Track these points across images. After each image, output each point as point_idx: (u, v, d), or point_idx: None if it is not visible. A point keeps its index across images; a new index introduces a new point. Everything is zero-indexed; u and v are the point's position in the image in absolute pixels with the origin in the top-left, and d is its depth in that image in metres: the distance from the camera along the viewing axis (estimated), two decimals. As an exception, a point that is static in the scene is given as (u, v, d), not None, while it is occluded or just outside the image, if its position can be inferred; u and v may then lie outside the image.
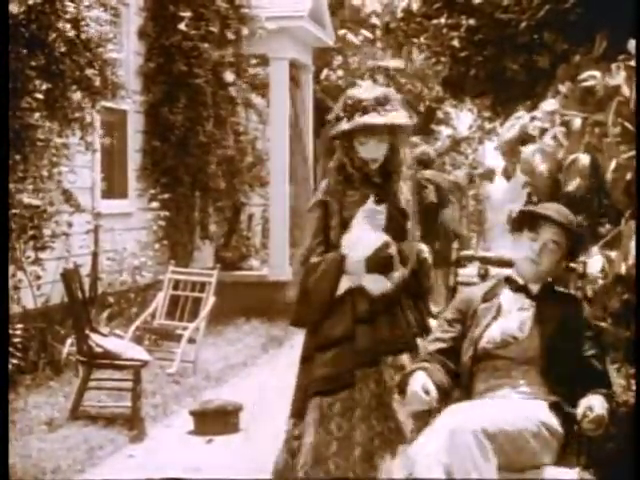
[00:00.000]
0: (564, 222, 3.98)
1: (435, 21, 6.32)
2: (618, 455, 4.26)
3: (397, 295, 4.38)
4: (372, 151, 4.42)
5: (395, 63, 16.79)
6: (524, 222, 4.08)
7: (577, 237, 4.04)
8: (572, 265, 4.14)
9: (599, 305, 4.07)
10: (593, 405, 3.68)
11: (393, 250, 4.36)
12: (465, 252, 4.41)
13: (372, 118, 4.36)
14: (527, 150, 4.36)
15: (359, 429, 4.31)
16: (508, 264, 4.21)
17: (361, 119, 4.36)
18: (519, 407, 3.77)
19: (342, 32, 16.23)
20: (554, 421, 3.75)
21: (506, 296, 4.06)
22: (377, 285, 4.37)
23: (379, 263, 4.35)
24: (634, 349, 4.00)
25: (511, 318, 3.98)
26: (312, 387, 4.39)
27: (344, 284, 4.40)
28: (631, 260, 3.96)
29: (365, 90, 4.49)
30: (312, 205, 4.59)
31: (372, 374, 4.34)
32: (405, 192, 4.51)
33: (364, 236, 4.38)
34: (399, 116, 4.42)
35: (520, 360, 3.89)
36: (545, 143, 4.29)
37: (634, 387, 4.31)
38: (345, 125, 4.39)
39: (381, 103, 4.40)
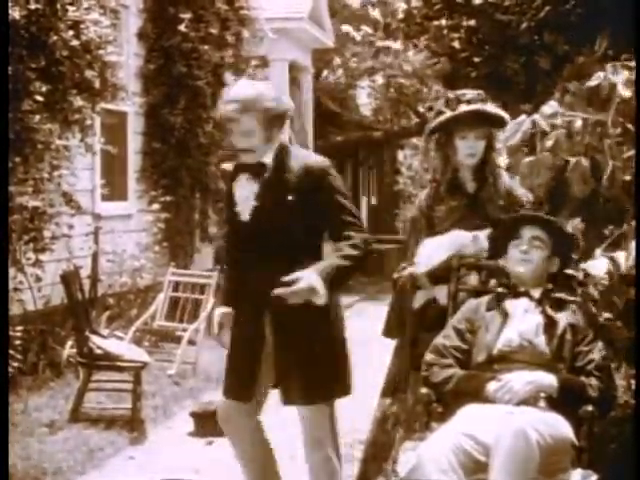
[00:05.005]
0: (540, 217, 4.14)
1: (436, 22, 6.32)
2: (619, 455, 4.27)
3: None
4: (471, 146, 4.41)
5: None
6: (506, 235, 4.16)
7: (559, 233, 4.09)
8: (569, 272, 4.17)
9: (605, 306, 4.06)
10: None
11: (455, 263, 4.33)
12: (467, 259, 4.37)
13: (478, 106, 4.40)
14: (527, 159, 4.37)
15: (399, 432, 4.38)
16: (506, 272, 4.21)
17: (467, 107, 4.39)
18: (536, 416, 3.75)
19: (345, 28, 16.24)
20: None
21: (510, 303, 4.09)
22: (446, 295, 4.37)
23: (441, 275, 4.35)
24: (634, 349, 4.00)
25: (523, 321, 3.99)
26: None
27: (421, 297, 4.43)
28: (631, 260, 3.96)
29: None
30: (408, 222, 4.65)
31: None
32: (496, 199, 4.46)
33: (431, 250, 4.38)
34: (500, 111, 4.47)
35: (533, 363, 3.90)
36: (546, 147, 4.28)
37: (634, 387, 4.31)
38: (450, 113, 4.42)
39: (483, 99, 4.46)
